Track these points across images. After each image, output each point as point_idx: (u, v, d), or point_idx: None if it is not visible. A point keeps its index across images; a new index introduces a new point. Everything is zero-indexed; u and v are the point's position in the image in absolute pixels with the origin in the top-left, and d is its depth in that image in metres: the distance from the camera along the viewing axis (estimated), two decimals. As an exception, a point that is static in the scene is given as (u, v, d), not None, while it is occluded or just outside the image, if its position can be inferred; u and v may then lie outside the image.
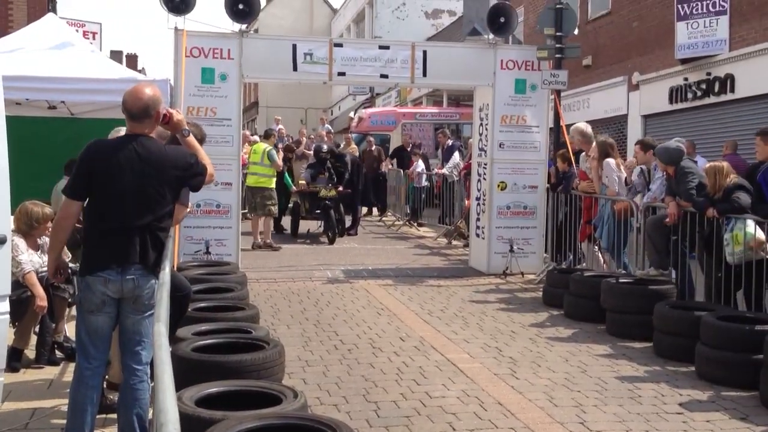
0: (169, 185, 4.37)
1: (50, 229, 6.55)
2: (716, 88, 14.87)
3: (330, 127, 24.99)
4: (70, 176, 4.45)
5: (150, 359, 4.36)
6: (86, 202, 4.37)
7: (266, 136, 14.88)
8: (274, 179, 13.87)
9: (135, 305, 4.31)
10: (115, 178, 4.24)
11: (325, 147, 15.74)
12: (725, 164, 8.00)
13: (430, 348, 7.28)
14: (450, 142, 17.17)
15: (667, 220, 8.22)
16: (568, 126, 11.64)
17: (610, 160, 9.72)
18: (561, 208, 10.87)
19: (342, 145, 19.25)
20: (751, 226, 7.27)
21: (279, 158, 14.25)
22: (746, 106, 14.21)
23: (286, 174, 15.99)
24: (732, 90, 14.46)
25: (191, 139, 4.66)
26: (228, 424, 3.62)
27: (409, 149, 18.87)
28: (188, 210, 5.38)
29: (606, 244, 9.71)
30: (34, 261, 6.40)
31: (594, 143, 10.31)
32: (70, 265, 6.67)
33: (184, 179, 4.46)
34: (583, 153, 10.62)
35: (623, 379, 6.36)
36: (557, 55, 11.40)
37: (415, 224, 17.20)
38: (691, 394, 6.00)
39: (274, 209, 13.72)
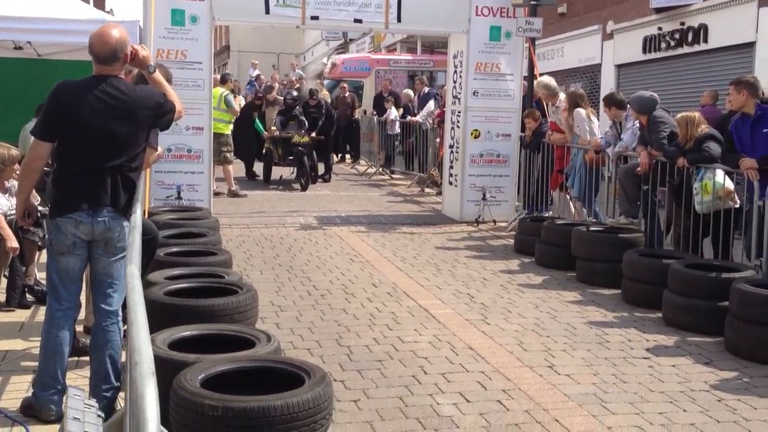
0: (140, 126, 4.30)
1: (18, 172, 6.47)
2: (690, 38, 14.89)
3: (301, 73, 24.76)
4: (39, 117, 4.35)
5: (122, 302, 4.35)
6: (56, 144, 4.29)
7: (222, 80, 14.10)
8: (231, 125, 13.42)
9: (106, 248, 4.28)
10: (85, 119, 4.16)
11: (294, 93, 15.58)
12: (696, 114, 8.04)
13: (402, 294, 7.34)
14: (426, 89, 17.08)
15: (639, 169, 8.28)
16: (543, 75, 11.62)
17: (580, 110, 9.74)
18: (535, 160, 10.87)
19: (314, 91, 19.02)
20: (720, 175, 7.34)
21: (237, 104, 13.81)
22: (719, 57, 14.27)
23: (257, 120, 15.77)
24: (705, 40, 14.49)
25: (157, 75, 4.59)
26: (201, 366, 3.63)
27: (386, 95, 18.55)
28: (158, 153, 5.30)
29: (577, 192, 9.79)
30: (2, 204, 6.31)
31: (560, 95, 10.33)
32: (39, 208, 6.61)
33: (154, 119, 4.40)
34: (549, 104, 10.65)
35: (592, 325, 6.47)
36: (532, 2, 11.28)
37: (389, 171, 17.18)
38: (657, 339, 6.12)
39: (230, 156, 13.29)
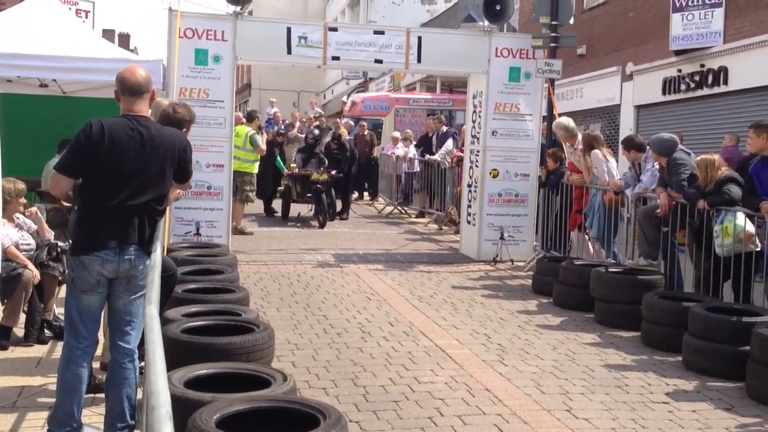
0: (169, 165, 4.39)
1: (25, 206, 6.58)
2: (710, 80, 14.88)
3: (321, 111, 24.95)
4: (66, 152, 4.36)
5: (139, 339, 4.36)
6: (81, 181, 4.31)
7: (249, 118, 14.23)
8: (257, 164, 13.55)
9: (128, 285, 4.31)
10: (117, 157, 4.21)
11: (316, 131, 15.69)
12: (716, 156, 8.02)
13: (419, 333, 7.31)
14: (444, 128, 17.15)
15: (659, 211, 8.25)
16: (562, 115, 11.64)
17: (596, 151, 9.75)
18: (553, 200, 10.85)
19: (332, 130, 19.15)
20: (741, 218, 7.29)
21: (263, 142, 13.90)
22: (739, 99, 14.24)
23: (278, 157, 15.87)
24: (725, 82, 14.47)
25: None
26: (217, 406, 3.62)
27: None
28: (180, 191, 5.35)
29: (596, 233, 9.75)
30: (13, 235, 6.38)
31: (579, 136, 10.35)
32: (59, 244, 6.68)
33: (181, 161, 4.48)
34: (568, 144, 10.66)
35: (610, 368, 6.40)
36: (552, 44, 11.37)
37: (407, 210, 17.20)
38: (677, 383, 6.04)
39: (252, 195, 13.42)
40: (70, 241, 4.43)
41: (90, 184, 4.29)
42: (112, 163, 4.21)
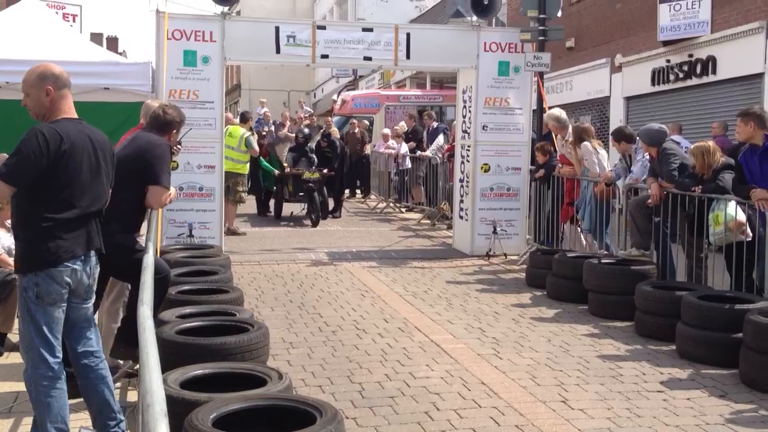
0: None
1: None
2: (698, 70, 14.94)
3: (310, 110, 24.95)
4: (13, 162, 3.98)
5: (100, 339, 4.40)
6: (31, 191, 4.02)
7: (243, 119, 14.21)
8: (247, 164, 13.60)
9: (86, 293, 4.26)
10: (78, 164, 4.10)
11: (306, 130, 15.68)
12: (711, 143, 8.04)
13: (414, 329, 7.33)
14: (435, 124, 17.17)
15: (650, 201, 8.28)
16: (552, 108, 11.68)
17: (586, 143, 9.78)
18: (545, 193, 10.87)
19: (323, 128, 19.14)
20: (731, 207, 7.30)
21: (255, 143, 13.83)
22: (728, 88, 14.31)
23: (262, 159, 15.68)
24: (714, 72, 14.54)
25: None
26: (213, 405, 3.63)
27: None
28: (171, 193, 5.35)
29: (588, 225, 9.78)
30: (5, 241, 6.39)
31: (570, 128, 10.37)
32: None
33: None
34: (559, 137, 10.68)
35: (605, 358, 6.43)
36: (540, 38, 11.39)
37: (401, 206, 17.20)
38: (671, 372, 6.08)
39: (245, 196, 13.50)
40: (26, 256, 4.08)
41: (48, 194, 4.05)
42: (74, 171, 4.08)
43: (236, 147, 12.94)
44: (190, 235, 10.36)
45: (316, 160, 15.06)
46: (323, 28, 11.10)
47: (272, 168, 15.43)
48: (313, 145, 15.86)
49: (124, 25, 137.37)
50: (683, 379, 5.94)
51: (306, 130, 15.71)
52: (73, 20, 21.91)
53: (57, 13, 18.27)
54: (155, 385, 2.23)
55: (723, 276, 7.71)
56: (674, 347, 6.61)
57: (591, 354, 6.56)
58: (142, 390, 2.31)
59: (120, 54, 29.30)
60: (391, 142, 17.80)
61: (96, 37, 38.50)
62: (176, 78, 10.38)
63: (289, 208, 15.52)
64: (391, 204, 17.50)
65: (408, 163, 17.07)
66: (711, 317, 6.34)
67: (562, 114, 10.80)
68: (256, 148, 13.75)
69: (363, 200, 19.31)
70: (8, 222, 6.55)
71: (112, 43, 48.80)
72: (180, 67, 10.38)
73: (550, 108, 11.54)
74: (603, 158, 9.82)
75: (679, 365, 6.25)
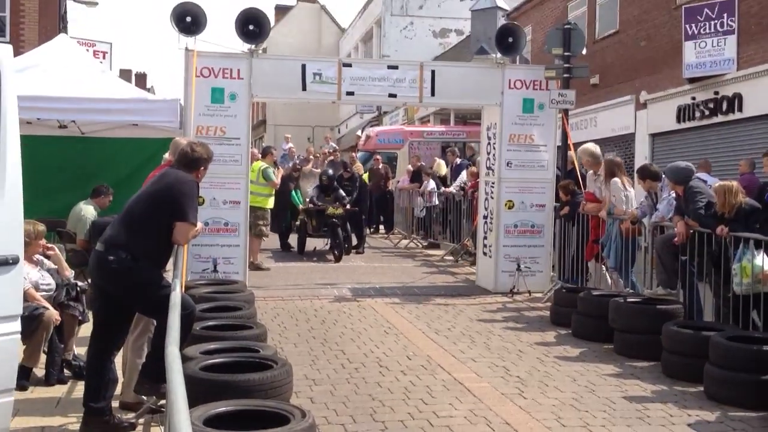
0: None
1: (45, 247, 6.64)
2: (724, 108, 14.89)
3: (335, 146, 25.07)
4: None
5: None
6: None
7: (264, 154, 14.30)
8: (271, 199, 13.52)
9: None
10: None
11: (330, 172, 15.67)
12: (734, 183, 8.00)
13: (437, 367, 7.28)
14: (459, 160, 17.20)
15: (676, 239, 8.22)
16: (576, 145, 11.67)
17: (616, 180, 9.74)
18: (570, 230, 10.81)
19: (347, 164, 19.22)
20: (759, 258, 7.23)
21: (277, 177, 13.81)
22: (754, 126, 14.23)
23: (293, 192, 15.92)
24: (740, 109, 14.48)
25: None
26: (236, 443, 3.62)
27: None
28: (198, 228, 5.42)
29: (613, 263, 9.70)
30: (33, 276, 6.44)
31: (602, 163, 10.31)
32: (78, 283, 6.73)
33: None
34: (590, 173, 10.63)
35: (631, 399, 6.34)
36: (565, 75, 11.43)
37: (425, 243, 17.15)
38: (699, 414, 5.98)
39: (266, 230, 13.43)
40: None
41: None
42: None
43: (255, 180, 12.81)
44: (215, 270, 10.40)
45: (345, 198, 15.03)
46: (349, 65, 11.23)
47: (299, 201, 15.51)
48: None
49: (153, 62, 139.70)
50: (711, 421, 5.84)
51: (330, 171, 15.71)
52: (103, 57, 22.29)
53: (87, 50, 18.58)
54: (183, 425, 2.23)
55: (751, 316, 7.60)
56: (702, 388, 6.51)
57: (617, 395, 6.47)
58: (171, 430, 2.32)
59: (148, 90, 29.70)
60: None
61: (125, 73, 39.17)
62: (204, 115, 10.50)
63: (313, 243, 15.55)
64: (415, 240, 17.48)
65: (436, 200, 17.02)
66: (740, 358, 6.24)
67: (596, 149, 10.73)
68: (276, 180, 13.63)
69: (386, 236, 19.33)
70: (36, 257, 6.63)
71: (141, 79, 49.63)
72: (207, 104, 10.51)
73: (574, 145, 11.52)
74: (631, 196, 9.76)
75: (707, 407, 6.15)
